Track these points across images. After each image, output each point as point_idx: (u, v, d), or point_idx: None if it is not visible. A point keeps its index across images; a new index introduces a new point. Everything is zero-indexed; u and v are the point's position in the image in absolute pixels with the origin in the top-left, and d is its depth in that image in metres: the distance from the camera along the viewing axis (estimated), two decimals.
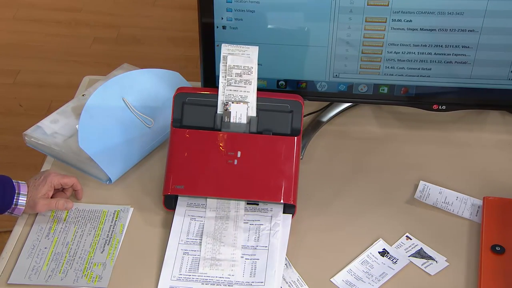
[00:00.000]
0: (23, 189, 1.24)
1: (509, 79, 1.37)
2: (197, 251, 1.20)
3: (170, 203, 1.28)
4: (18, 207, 1.23)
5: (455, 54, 1.35)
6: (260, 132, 1.29)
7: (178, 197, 1.28)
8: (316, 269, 1.19)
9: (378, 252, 1.21)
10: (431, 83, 1.39)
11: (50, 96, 2.76)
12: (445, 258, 1.20)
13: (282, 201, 1.24)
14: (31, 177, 1.28)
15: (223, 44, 1.27)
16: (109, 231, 1.25)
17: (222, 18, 1.34)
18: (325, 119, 1.51)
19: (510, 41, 1.33)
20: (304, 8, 1.31)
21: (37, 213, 1.28)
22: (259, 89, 1.28)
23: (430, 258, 1.20)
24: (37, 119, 1.45)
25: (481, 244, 1.21)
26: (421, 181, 1.34)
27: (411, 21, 1.31)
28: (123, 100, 1.42)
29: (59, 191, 1.30)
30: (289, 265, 1.19)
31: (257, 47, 1.27)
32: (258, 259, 1.18)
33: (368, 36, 1.34)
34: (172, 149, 1.29)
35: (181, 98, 1.30)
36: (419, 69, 1.37)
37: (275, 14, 1.33)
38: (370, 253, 1.21)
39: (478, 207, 1.29)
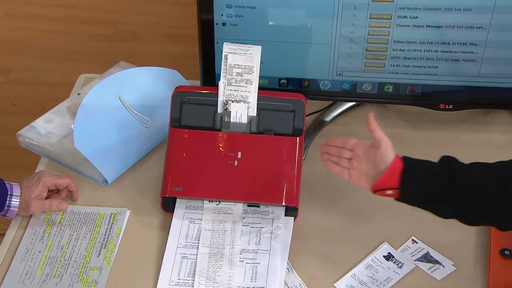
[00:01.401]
0: (16, 190, 1.24)
1: None
2: (196, 254, 1.20)
3: (168, 206, 1.28)
4: (11, 209, 1.23)
5: (462, 52, 1.35)
6: (261, 132, 1.29)
7: (177, 199, 1.28)
8: (319, 274, 1.19)
9: (383, 256, 1.22)
10: (438, 82, 1.39)
11: (44, 95, 2.76)
12: (452, 263, 1.20)
13: (284, 203, 1.24)
14: (24, 179, 1.28)
15: (225, 43, 1.27)
16: (105, 235, 1.25)
17: (222, 15, 1.34)
18: (328, 118, 1.51)
19: None
20: (307, 4, 1.31)
21: (31, 216, 1.28)
22: (260, 88, 1.29)
23: (436, 262, 1.20)
24: (31, 119, 1.46)
25: (490, 248, 1.21)
26: None
27: (417, 17, 1.31)
28: (120, 99, 1.43)
29: (53, 193, 1.31)
30: (291, 269, 1.19)
31: (260, 46, 1.27)
32: (259, 263, 1.18)
33: (373, 33, 1.34)
34: (171, 149, 1.29)
35: (179, 97, 1.30)
36: (425, 67, 1.37)
37: (277, 11, 1.33)
38: (375, 257, 1.21)
39: None
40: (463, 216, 1.05)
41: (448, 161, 1.06)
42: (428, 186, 1.04)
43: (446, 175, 1.03)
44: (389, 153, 1.08)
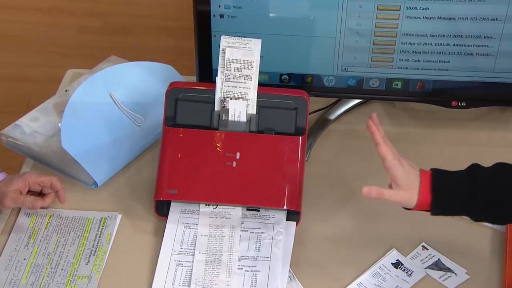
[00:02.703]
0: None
1: None
2: (192, 262, 1.20)
3: (162, 210, 1.28)
4: None
5: (476, 45, 1.35)
6: (261, 131, 1.29)
7: (171, 203, 1.28)
8: (322, 282, 1.19)
9: (391, 263, 1.22)
10: (450, 77, 1.40)
11: (29, 91, 2.76)
12: (465, 271, 1.20)
13: (285, 207, 1.25)
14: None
15: (222, 36, 1.28)
16: (94, 241, 1.26)
17: (219, 6, 1.34)
18: (332, 117, 1.52)
19: None
20: None
21: (15, 221, 1.28)
22: (260, 84, 1.29)
23: (448, 270, 1.21)
24: (15, 117, 1.46)
25: (505, 255, 1.21)
26: None
27: (427, 8, 1.31)
28: (110, 95, 1.43)
29: (40, 195, 1.30)
30: (293, 277, 1.19)
31: (260, 40, 1.27)
32: (259, 271, 1.19)
33: (380, 25, 1.34)
34: (165, 150, 1.29)
35: (174, 94, 1.31)
36: (436, 61, 1.38)
37: (278, 1, 1.33)
38: (383, 265, 1.22)
39: None
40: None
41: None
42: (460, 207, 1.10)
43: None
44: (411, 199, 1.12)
